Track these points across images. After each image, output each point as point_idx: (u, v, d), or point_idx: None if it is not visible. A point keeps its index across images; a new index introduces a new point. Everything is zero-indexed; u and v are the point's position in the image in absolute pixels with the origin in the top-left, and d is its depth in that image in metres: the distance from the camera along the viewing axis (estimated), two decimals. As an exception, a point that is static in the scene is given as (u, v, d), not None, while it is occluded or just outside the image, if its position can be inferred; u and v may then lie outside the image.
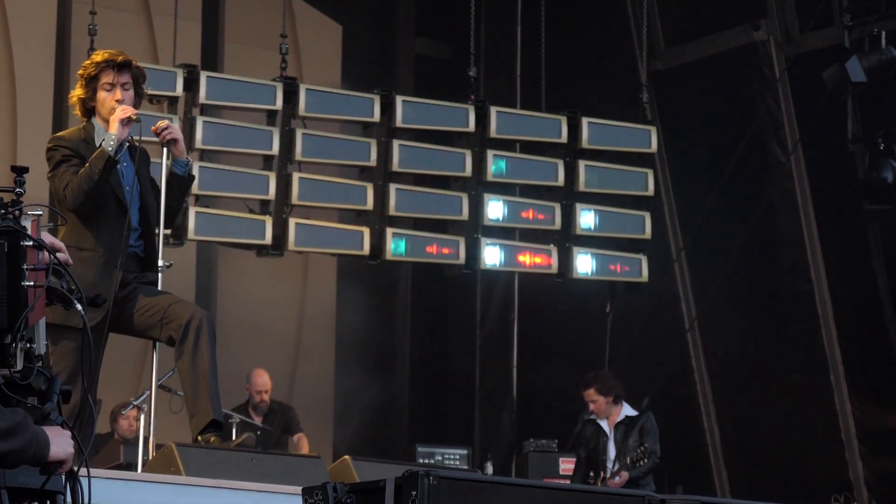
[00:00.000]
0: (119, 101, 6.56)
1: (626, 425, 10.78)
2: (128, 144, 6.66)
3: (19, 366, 3.66)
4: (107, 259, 6.54)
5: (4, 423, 3.49)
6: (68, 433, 3.65)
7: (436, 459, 12.33)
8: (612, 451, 10.77)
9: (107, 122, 6.61)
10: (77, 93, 6.66)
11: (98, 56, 6.65)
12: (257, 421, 11.82)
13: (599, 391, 10.80)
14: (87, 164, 6.48)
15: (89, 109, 6.67)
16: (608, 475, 10.70)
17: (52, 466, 3.61)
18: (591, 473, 10.92)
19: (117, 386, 11.79)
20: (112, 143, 6.50)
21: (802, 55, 13.40)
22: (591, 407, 10.86)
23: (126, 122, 6.54)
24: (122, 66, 6.59)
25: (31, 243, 3.64)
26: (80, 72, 6.67)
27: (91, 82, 6.60)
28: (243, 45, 13.80)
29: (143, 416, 8.76)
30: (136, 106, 6.64)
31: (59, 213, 6.45)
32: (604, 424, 10.85)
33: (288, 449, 11.76)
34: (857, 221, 12.97)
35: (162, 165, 6.92)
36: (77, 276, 6.17)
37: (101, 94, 6.60)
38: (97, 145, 6.60)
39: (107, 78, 6.59)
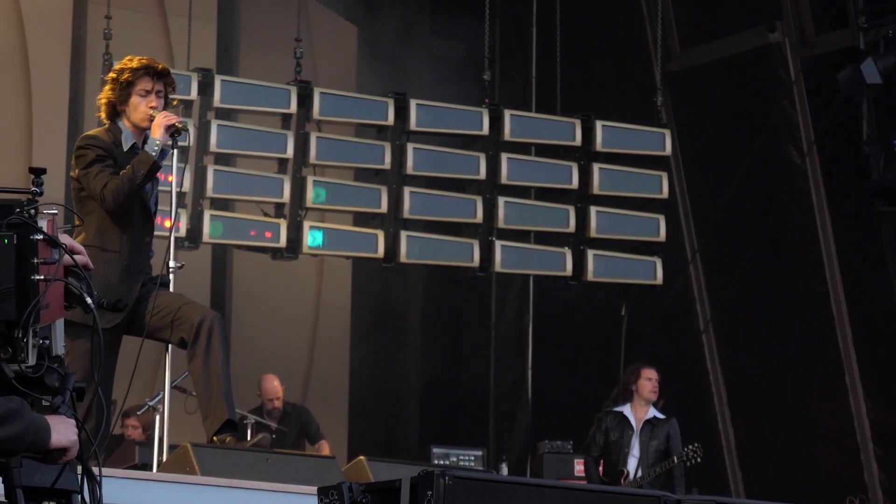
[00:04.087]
0: (153, 108, 6.59)
1: (652, 426, 10.78)
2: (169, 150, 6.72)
3: (31, 361, 3.65)
4: (129, 262, 6.58)
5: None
6: (72, 421, 3.62)
7: (451, 460, 12.32)
8: (635, 448, 10.75)
9: (134, 125, 6.64)
10: (107, 95, 6.67)
11: (134, 62, 6.66)
12: (272, 425, 11.82)
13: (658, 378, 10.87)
14: (130, 167, 6.52)
15: (117, 112, 6.68)
16: (627, 470, 10.69)
17: (55, 454, 3.60)
18: (602, 469, 10.89)
19: (132, 388, 11.79)
20: (156, 148, 6.54)
21: (817, 57, 13.40)
22: (652, 385, 10.78)
23: (170, 128, 6.57)
24: (160, 75, 6.63)
25: (41, 237, 3.63)
26: (113, 75, 6.68)
27: (127, 87, 6.62)
28: (259, 47, 13.82)
29: (157, 417, 8.79)
30: None
31: (75, 214, 6.48)
32: (631, 418, 10.83)
33: (306, 454, 11.74)
34: (871, 223, 12.96)
35: (173, 165, 6.94)
36: (99, 277, 6.25)
37: (136, 100, 6.63)
38: (125, 149, 6.63)
39: (144, 84, 6.62)
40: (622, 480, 10.63)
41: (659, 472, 10.65)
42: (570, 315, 13.98)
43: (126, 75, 6.62)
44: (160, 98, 6.65)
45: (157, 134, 6.57)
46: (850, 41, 12.88)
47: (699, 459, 10.70)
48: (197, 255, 11.93)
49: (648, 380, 10.81)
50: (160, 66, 6.66)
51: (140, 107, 6.61)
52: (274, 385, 11.91)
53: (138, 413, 10.98)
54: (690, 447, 10.64)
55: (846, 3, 12.97)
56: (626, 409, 10.88)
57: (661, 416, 10.92)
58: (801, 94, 13.54)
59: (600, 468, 10.92)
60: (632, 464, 10.74)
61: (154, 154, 6.53)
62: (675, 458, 10.64)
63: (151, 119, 6.59)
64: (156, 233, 6.86)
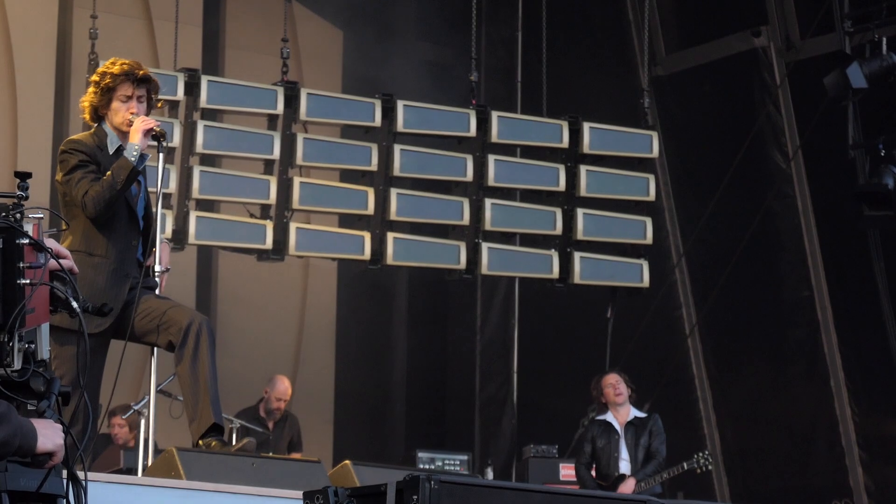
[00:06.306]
0: (134, 114, 6.57)
1: (635, 426, 10.88)
2: (148, 155, 6.68)
3: (17, 365, 3.65)
4: (117, 266, 6.55)
5: None
6: (58, 426, 3.62)
7: (436, 465, 12.33)
8: (623, 451, 10.84)
9: (118, 129, 6.62)
10: (90, 99, 6.65)
11: (116, 67, 6.62)
12: (269, 425, 11.84)
13: (622, 379, 10.95)
14: (110, 173, 6.48)
15: (100, 116, 6.67)
16: (618, 474, 10.76)
17: (41, 459, 3.60)
18: (594, 474, 10.95)
19: (117, 390, 11.78)
20: (135, 153, 6.50)
21: (803, 61, 13.42)
22: (617, 390, 10.89)
23: (148, 133, 6.54)
24: (141, 81, 6.60)
25: (27, 241, 3.63)
26: (95, 78, 6.66)
27: (107, 92, 6.60)
28: (244, 50, 13.81)
29: (143, 421, 8.76)
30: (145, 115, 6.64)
31: (61, 218, 6.46)
32: (614, 423, 10.91)
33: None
34: (857, 227, 12.97)
35: (158, 166, 6.91)
36: (87, 282, 6.23)
37: (116, 105, 6.61)
38: (110, 152, 6.61)
39: (125, 90, 6.59)
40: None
41: (667, 477, 10.80)
42: (557, 318, 13.99)
43: (107, 80, 6.60)
44: (141, 103, 6.62)
45: (136, 139, 6.54)
46: (836, 45, 12.90)
47: (710, 467, 10.93)
48: (182, 257, 11.90)
49: (610, 386, 10.96)
50: (141, 72, 6.62)
51: (120, 112, 6.59)
52: (286, 385, 11.99)
53: (124, 417, 10.96)
54: (701, 455, 10.87)
55: (831, 8, 12.99)
56: (609, 416, 10.99)
57: (642, 414, 11.02)
58: (787, 98, 13.57)
59: (592, 472, 10.99)
60: (623, 467, 10.83)
61: (133, 159, 6.50)
62: (685, 464, 10.82)
63: (131, 124, 6.57)
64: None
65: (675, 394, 13.72)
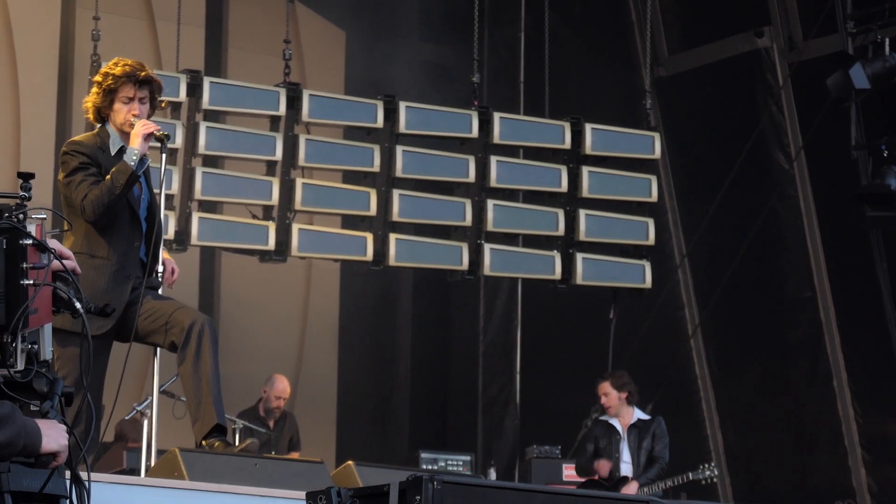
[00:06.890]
0: (136, 116, 6.55)
1: (639, 429, 10.91)
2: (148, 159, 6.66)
3: (20, 366, 3.65)
4: (119, 268, 6.54)
5: None
6: (63, 426, 3.62)
7: (439, 465, 12.33)
8: (625, 454, 10.86)
9: (121, 130, 6.60)
10: (92, 100, 6.63)
11: (118, 68, 6.59)
12: (269, 424, 11.85)
13: (614, 385, 10.97)
14: (109, 178, 6.46)
15: (103, 116, 6.65)
16: (621, 476, 10.79)
17: (45, 459, 3.60)
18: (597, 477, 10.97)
19: (121, 394, 11.77)
20: (134, 157, 6.48)
21: (806, 62, 13.42)
22: (603, 401, 10.98)
23: (149, 137, 6.52)
24: (143, 82, 6.58)
25: (30, 241, 3.63)
26: (98, 79, 6.63)
27: (109, 94, 6.58)
28: (247, 51, 13.82)
29: (145, 422, 8.77)
30: (148, 117, 6.62)
31: (64, 219, 6.46)
32: (616, 424, 10.93)
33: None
34: (859, 228, 12.97)
35: (161, 168, 6.91)
36: (89, 284, 6.23)
37: (118, 106, 6.58)
38: (112, 153, 6.59)
39: (126, 92, 6.57)
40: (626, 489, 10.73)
41: (670, 485, 10.86)
42: (559, 319, 13.98)
43: (109, 81, 6.57)
44: (143, 104, 6.59)
45: (136, 143, 6.51)
46: (839, 46, 12.90)
47: (714, 480, 10.98)
48: (185, 258, 11.90)
49: (604, 395, 11.01)
50: (143, 74, 6.58)
51: (122, 113, 6.57)
52: (285, 384, 12.02)
53: (126, 418, 10.95)
54: (707, 466, 10.96)
55: (834, 8, 12.99)
56: (612, 418, 11.01)
57: (645, 417, 11.04)
58: (790, 99, 13.57)
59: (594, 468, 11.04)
60: (625, 470, 10.86)
61: (132, 164, 6.48)
62: (690, 474, 10.88)
63: (132, 126, 6.55)
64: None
65: (677, 395, 13.72)
